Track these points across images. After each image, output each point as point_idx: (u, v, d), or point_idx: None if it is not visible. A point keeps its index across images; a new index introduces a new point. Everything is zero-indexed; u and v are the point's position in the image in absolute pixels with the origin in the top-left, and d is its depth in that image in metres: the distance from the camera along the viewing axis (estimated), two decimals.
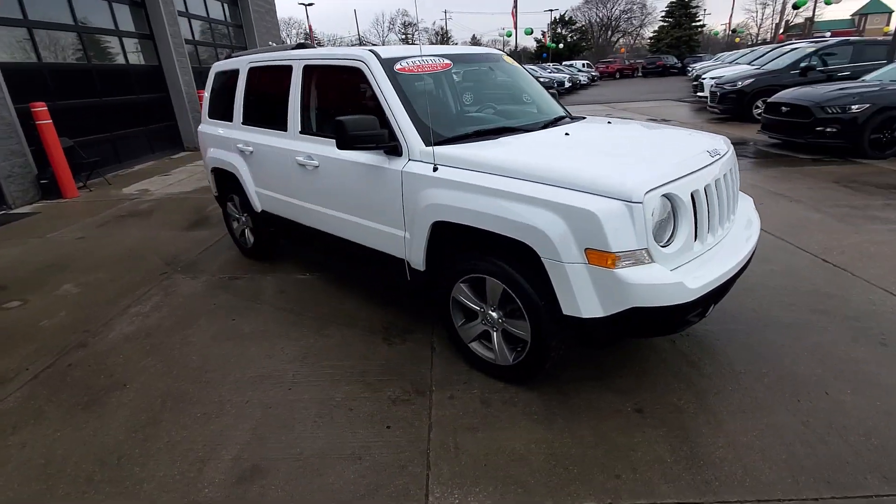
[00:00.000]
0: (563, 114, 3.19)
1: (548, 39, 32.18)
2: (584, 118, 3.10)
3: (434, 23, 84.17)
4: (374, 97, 2.68)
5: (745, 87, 10.59)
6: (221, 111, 4.04)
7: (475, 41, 71.76)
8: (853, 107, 6.73)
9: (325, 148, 2.94)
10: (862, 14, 52.33)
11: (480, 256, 2.30)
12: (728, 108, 10.93)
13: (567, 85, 21.30)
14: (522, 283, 2.14)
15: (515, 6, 25.42)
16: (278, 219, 3.65)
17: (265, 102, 3.56)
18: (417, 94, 2.67)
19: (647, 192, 1.87)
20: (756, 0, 60.28)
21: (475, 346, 2.54)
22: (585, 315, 1.97)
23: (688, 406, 2.25)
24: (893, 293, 3.16)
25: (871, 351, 2.60)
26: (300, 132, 3.14)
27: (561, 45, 41.73)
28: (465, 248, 2.40)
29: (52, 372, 2.76)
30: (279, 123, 3.31)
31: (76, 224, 5.60)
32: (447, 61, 2.87)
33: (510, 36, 35.40)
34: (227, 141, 3.86)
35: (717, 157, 2.29)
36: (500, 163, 2.18)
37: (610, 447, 2.04)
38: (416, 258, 2.59)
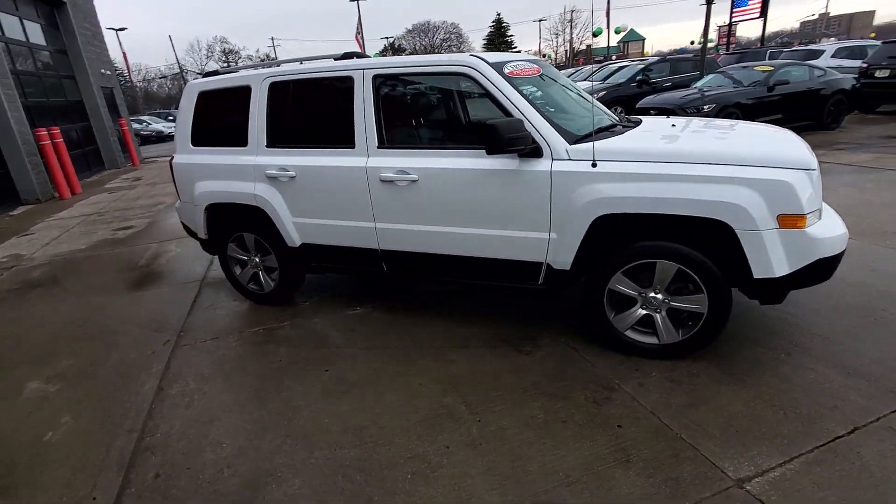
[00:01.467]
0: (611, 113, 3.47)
1: None
2: (642, 120, 3.37)
3: (258, 49, 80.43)
4: (488, 105, 2.61)
5: (600, 99, 12.52)
6: (219, 136, 3.40)
7: None
8: (705, 107, 8.52)
9: (426, 160, 2.73)
10: (625, 41, 65.68)
11: (650, 242, 2.40)
12: None
13: None
14: (702, 259, 2.31)
15: (361, 32, 25.80)
16: (329, 249, 3.21)
17: (311, 119, 3.13)
18: (531, 96, 2.67)
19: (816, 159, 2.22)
20: (550, 31, 70.94)
21: (630, 333, 2.62)
22: (778, 274, 2.22)
23: (813, 343, 2.65)
24: None
25: (871, 275, 3.38)
26: (378, 147, 2.84)
27: None
28: (624, 239, 2.48)
29: (141, 492, 2.01)
30: (340, 140, 2.95)
31: None
32: (536, 66, 2.92)
33: None
34: (243, 169, 3.26)
35: None
36: (671, 151, 2.32)
37: (804, 387, 2.31)
38: (564, 258, 2.57)
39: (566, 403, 2.33)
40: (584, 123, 2.79)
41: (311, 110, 3.14)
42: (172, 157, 3.62)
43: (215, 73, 3.54)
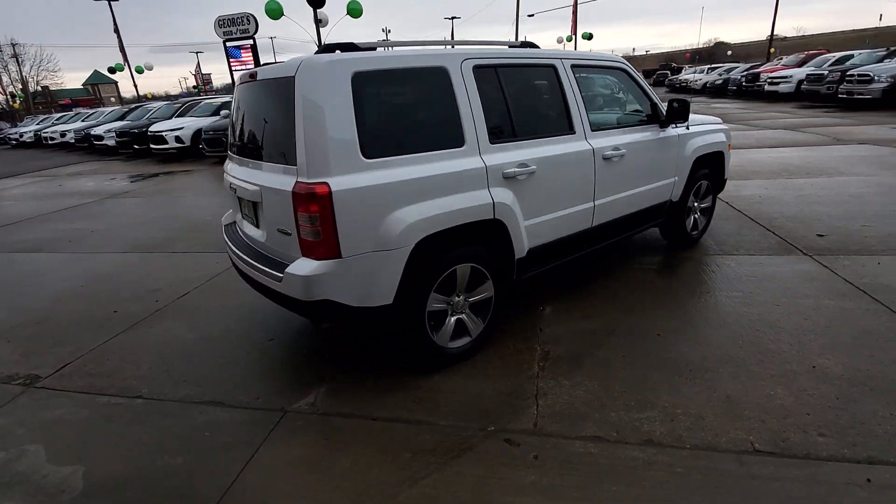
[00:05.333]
0: None
1: None
2: None
3: None
4: (636, 92, 3.48)
5: (208, 129, 11.81)
6: (410, 138, 2.33)
7: None
8: None
9: (626, 137, 3.27)
10: (93, 84, 57.25)
11: (705, 170, 4.07)
12: (216, 150, 11.72)
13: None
14: (712, 174, 4.24)
15: None
16: (550, 247, 3.00)
17: (528, 108, 2.75)
18: None
19: None
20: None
21: (691, 230, 4.24)
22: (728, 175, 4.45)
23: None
24: None
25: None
26: (592, 130, 3.05)
27: None
28: (693, 171, 4.01)
29: None
30: (559, 127, 2.92)
31: None
32: None
33: None
34: (466, 175, 2.44)
35: None
36: (702, 119, 4.06)
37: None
38: (678, 191, 3.86)
39: (769, 264, 3.72)
40: None
41: (524, 98, 2.78)
42: (308, 188, 2.03)
43: (351, 45, 2.28)
